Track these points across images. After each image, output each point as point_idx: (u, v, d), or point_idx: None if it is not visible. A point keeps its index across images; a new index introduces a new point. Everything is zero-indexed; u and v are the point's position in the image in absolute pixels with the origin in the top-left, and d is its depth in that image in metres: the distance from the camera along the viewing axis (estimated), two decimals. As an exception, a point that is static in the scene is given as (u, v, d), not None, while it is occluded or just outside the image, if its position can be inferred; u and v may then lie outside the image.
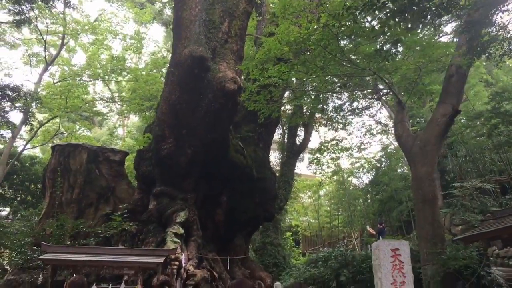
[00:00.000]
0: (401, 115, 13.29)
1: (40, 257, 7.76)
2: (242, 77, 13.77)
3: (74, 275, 7.52)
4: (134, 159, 13.52)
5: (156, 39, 51.76)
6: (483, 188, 17.81)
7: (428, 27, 11.79)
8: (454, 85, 11.84)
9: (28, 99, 12.22)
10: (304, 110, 22.78)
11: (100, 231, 10.93)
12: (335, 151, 24.65)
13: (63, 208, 12.31)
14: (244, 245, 14.46)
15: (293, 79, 13.38)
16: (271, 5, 17.71)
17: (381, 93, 17.21)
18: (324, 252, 19.75)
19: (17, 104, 12.39)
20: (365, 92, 16.21)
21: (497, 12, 8.49)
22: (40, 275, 10.65)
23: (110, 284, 8.18)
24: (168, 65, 12.38)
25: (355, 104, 18.73)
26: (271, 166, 17.91)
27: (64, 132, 26.50)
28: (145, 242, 10.93)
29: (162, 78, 25.08)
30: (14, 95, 10.93)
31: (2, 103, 11.20)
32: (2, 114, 11.86)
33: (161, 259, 8.07)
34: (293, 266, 22.53)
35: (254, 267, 14.24)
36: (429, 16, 7.59)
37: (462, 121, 16.33)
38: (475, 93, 18.82)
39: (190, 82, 10.67)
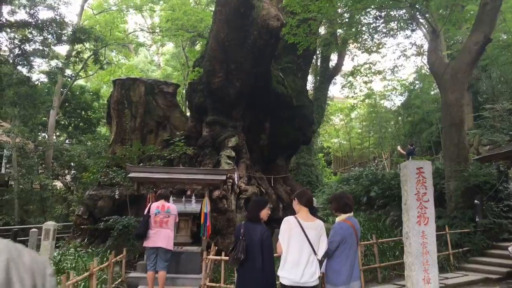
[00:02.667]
0: (435, 43, 13.76)
1: (128, 175, 9.58)
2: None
3: (155, 189, 9.33)
4: (186, 91, 14.98)
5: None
6: (513, 110, 18.29)
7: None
8: (487, 13, 12.11)
9: (98, 42, 13.58)
10: (338, 34, 22.92)
11: (165, 154, 12.78)
12: (368, 75, 24.96)
13: (128, 135, 14.21)
14: (285, 166, 16.21)
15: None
16: None
17: (418, 17, 17.27)
18: (355, 171, 21.41)
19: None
20: (400, 14, 16.34)
21: None
22: (116, 190, 12.78)
23: (184, 196, 10.11)
24: (215, 4, 13.15)
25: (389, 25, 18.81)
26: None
27: (106, 61, 28.04)
28: (202, 163, 12.74)
29: (196, 6, 25.57)
30: (85, 37, 12.25)
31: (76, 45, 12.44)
32: (76, 55, 13.27)
33: (223, 177, 9.74)
34: (325, 184, 24.46)
35: (293, 184, 16.11)
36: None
37: (500, 40, 16.08)
38: (515, 14, 18.42)
39: (236, 20, 11.56)
